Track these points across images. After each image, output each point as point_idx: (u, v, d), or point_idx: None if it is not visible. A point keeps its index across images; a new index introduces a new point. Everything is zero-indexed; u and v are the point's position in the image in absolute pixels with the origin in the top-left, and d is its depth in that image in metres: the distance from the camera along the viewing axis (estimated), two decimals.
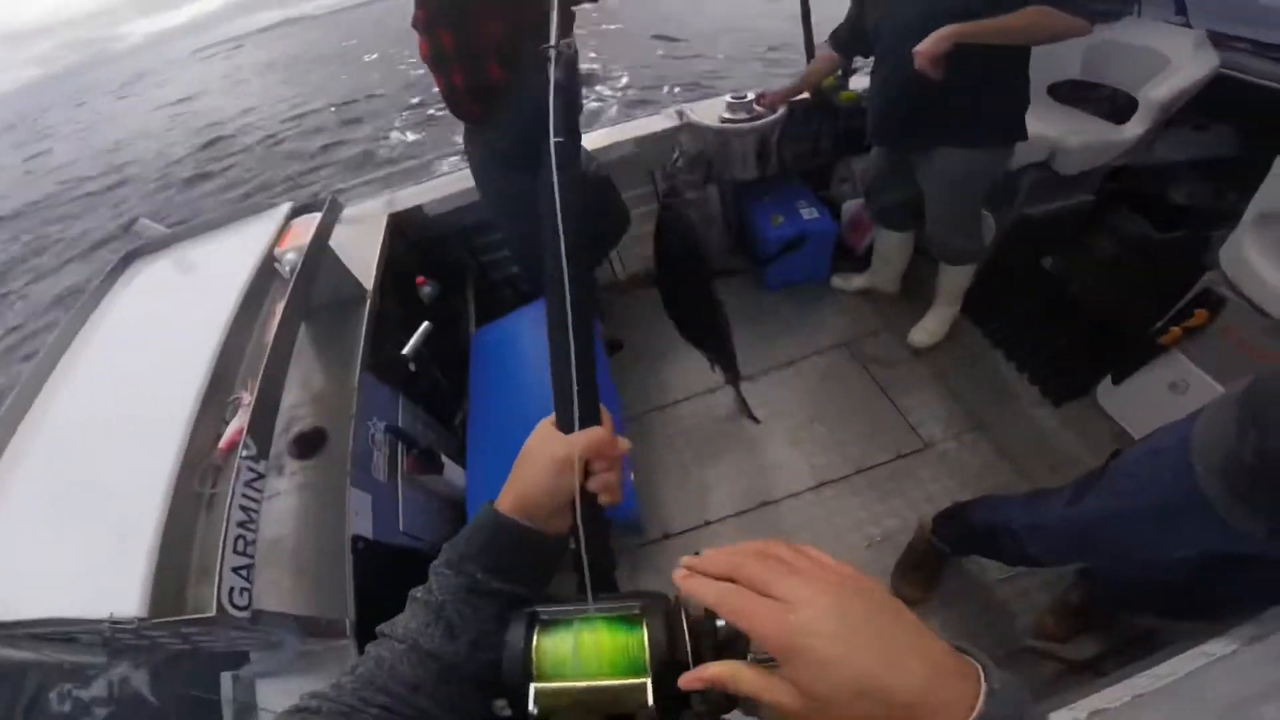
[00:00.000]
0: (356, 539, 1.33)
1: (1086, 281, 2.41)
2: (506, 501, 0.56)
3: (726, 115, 2.38)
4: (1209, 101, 2.17)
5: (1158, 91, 2.13)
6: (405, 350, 1.82)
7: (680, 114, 2.57)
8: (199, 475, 1.14)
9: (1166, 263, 2.17)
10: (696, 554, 0.44)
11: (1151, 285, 2.07)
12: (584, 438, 0.54)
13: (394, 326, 1.97)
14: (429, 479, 1.74)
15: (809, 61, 2.52)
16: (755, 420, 2.23)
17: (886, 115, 2.00)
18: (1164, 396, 1.86)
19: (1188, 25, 2.40)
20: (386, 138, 9.26)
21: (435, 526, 1.73)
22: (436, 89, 1.79)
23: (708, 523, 2.01)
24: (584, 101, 1.97)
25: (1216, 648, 0.95)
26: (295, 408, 1.54)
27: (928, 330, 2.40)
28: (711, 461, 2.17)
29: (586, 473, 0.54)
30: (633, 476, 1.82)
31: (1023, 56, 1.80)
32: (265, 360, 1.24)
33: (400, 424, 1.77)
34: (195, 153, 10.51)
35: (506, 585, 0.53)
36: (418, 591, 0.54)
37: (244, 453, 1.07)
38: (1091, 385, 2.13)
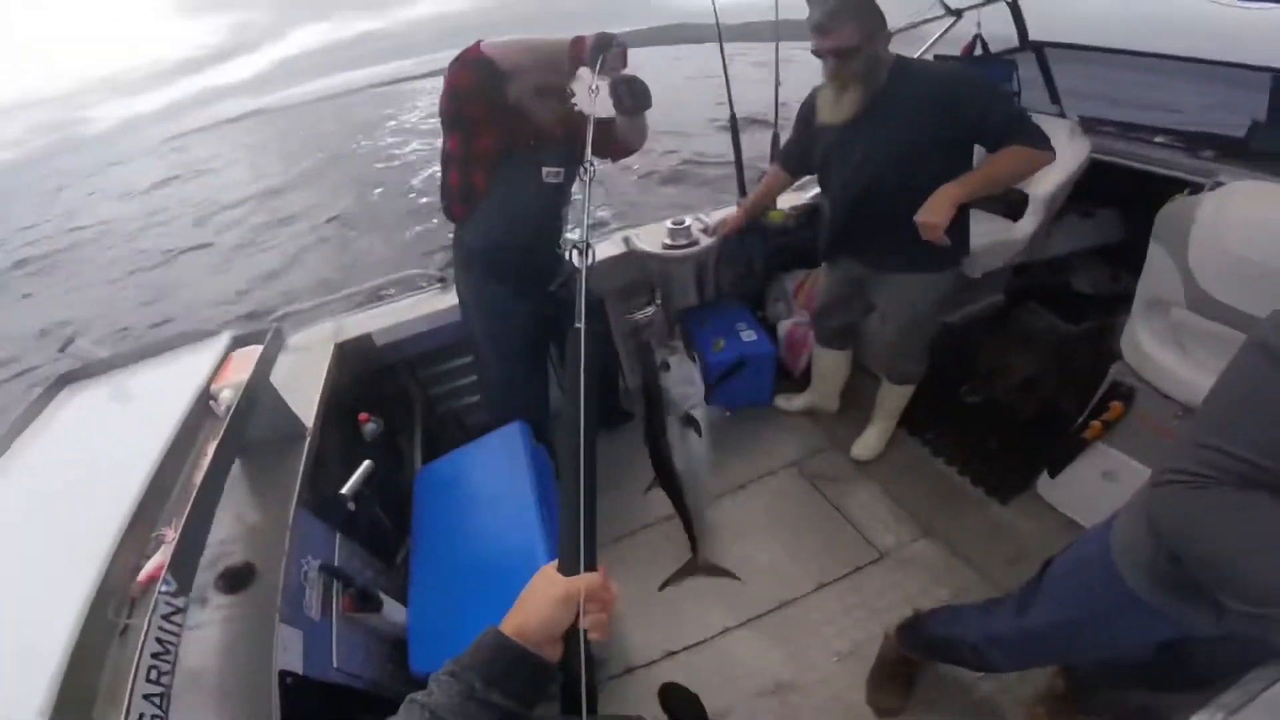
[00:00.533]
0: (285, 674, 1.23)
1: (1010, 383, 2.53)
2: (509, 627, 0.63)
3: (668, 241, 2.45)
4: (1090, 187, 2.36)
5: (1043, 186, 2.28)
6: (345, 489, 1.76)
7: (626, 240, 2.62)
8: (114, 605, 1.06)
9: (1081, 352, 2.31)
10: None
11: (1071, 375, 2.20)
12: (584, 580, 0.63)
13: (334, 464, 1.92)
14: (367, 617, 1.62)
15: (740, 193, 2.68)
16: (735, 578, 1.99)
17: (839, 240, 2.08)
18: (1099, 485, 1.93)
19: (1062, 114, 2.65)
20: (349, 255, 9.55)
21: (374, 664, 1.58)
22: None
23: (671, 653, 1.90)
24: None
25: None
26: (225, 543, 1.46)
27: (869, 445, 2.45)
28: (670, 591, 2.05)
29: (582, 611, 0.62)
30: None
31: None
32: (193, 498, 1.21)
33: (336, 562, 1.67)
34: (159, 265, 10.58)
35: (502, 700, 0.58)
36: (416, 695, 0.58)
37: (163, 588, 1.02)
38: (1032, 480, 2.19)
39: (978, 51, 2.80)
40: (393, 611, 1.65)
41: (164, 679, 0.93)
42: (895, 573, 2.02)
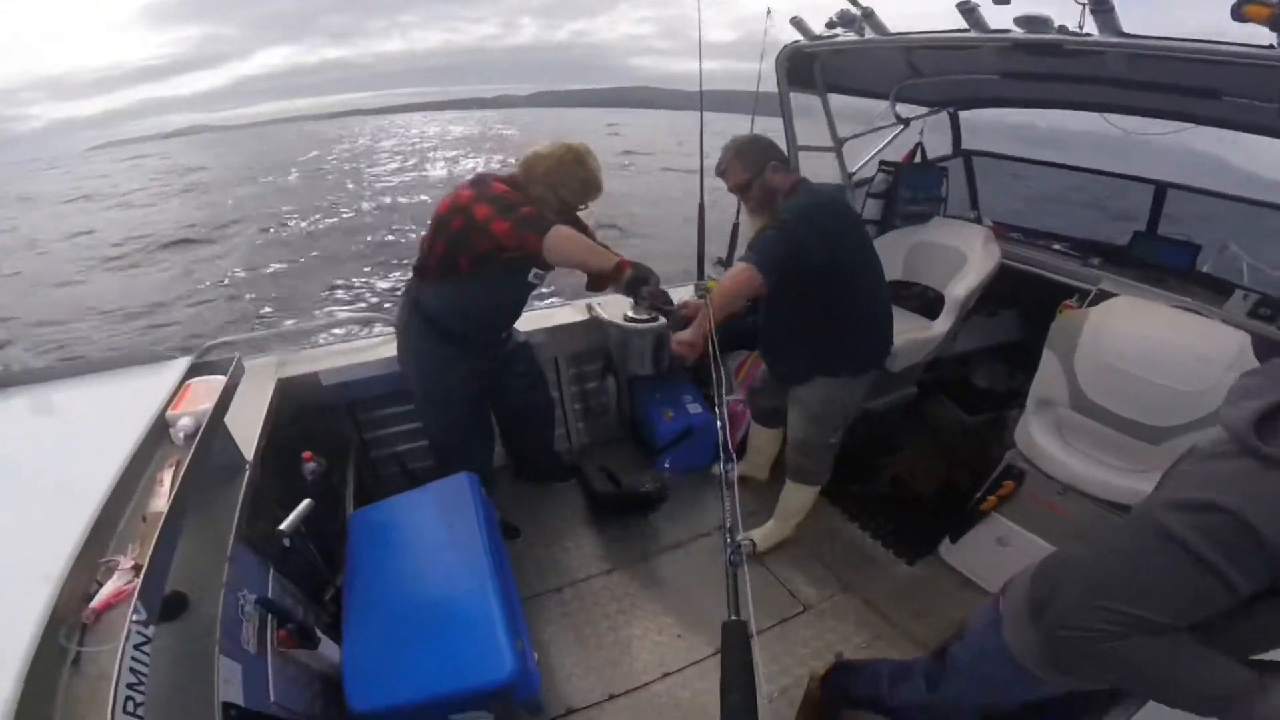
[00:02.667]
0: (229, 706, 1.21)
1: (920, 463, 2.79)
2: None
3: (630, 314, 2.63)
4: (994, 289, 2.64)
5: (958, 289, 2.56)
6: (283, 526, 1.73)
7: (589, 308, 2.79)
8: (65, 632, 1.00)
9: (980, 440, 2.59)
10: None
11: (968, 458, 2.47)
12: None
13: (271, 500, 1.88)
14: (301, 653, 1.57)
15: (699, 275, 2.72)
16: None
17: (765, 356, 2.36)
18: (993, 549, 2.18)
19: (979, 219, 2.96)
20: (278, 288, 9.30)
21: (309, 700, 1.55)
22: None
23: (612, 696, 1.94)
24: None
25: None
26: None
27: (756, 537, 2.48)
28: (611, 638, 2.14)
29: None
30: (535, 656, 1.76)
31: (849, 302, 1.98)
32: (160, 526, 1.16)
33: (270, 596, 1.63)
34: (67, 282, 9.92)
35: None
36: None
37: (135, 616, 1.00)
38: (935, 544, 2.43)
39: (918, 159, 3.15)
40: (327, 649, 1.62)
41: (140, 710, 0.91)
42: (817, 624, 2.18)
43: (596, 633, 2.16)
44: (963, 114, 3.15)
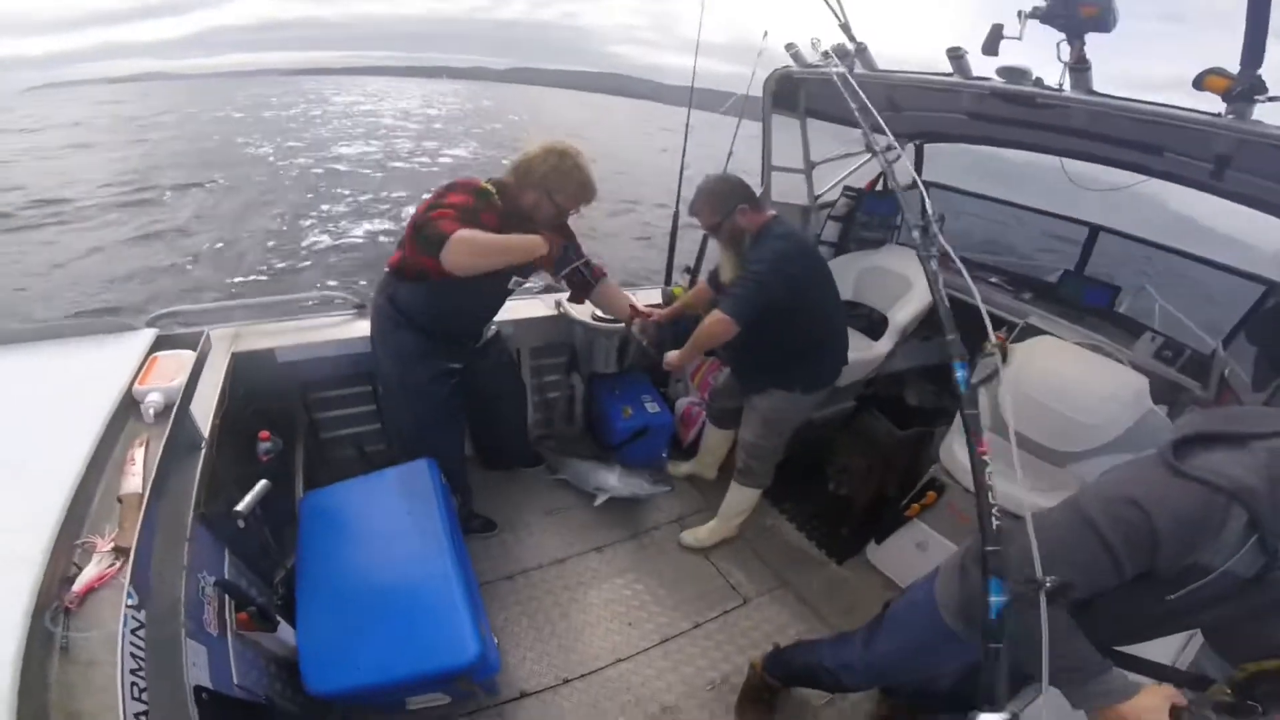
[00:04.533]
0: (199, 689, 1.21)
1: (853, 471, 2.98)
2: None
3: (598, 314, 2.66)
4: (933, 315, 2.87)
5: (901, 314, 2.80)
6: (240, 507, 1.68)
7: (558, 304, 2.82)
8: (50, 616, 0.98)
9: (905, 452, 2.79)
10: None
11: (896, 469, 2.67)
12: None
13: (227, 480, 1.84)
14: (261, 636, 1.58)
15: (666, 280, 3.04)
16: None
17: (731, 366, 2.51)
18: (913, 553, 2.40)
19: None
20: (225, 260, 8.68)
21: (267, 683, 1.56)
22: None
23: (566, 680, 2.04)
24: None
25: None
26: None
27: (697, 537, 2.65)
28: (564, 625, 2.24)
29: None
30: (496, 640, 1.81)
31: (808, 331, 2.15)
32: (143, 508, 1.16)
33: (227, 577, 1.62)
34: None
35: None
36: None
37: (129, 602, 1.00)
38: (863, 546, 2.64)
39: (880, 186, 3.34)
40: (284, 632, 1.63)
41: (144, 695, 0.91)
42: (756, 616, 2.36)
43: (549, 619, 2.25)
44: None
